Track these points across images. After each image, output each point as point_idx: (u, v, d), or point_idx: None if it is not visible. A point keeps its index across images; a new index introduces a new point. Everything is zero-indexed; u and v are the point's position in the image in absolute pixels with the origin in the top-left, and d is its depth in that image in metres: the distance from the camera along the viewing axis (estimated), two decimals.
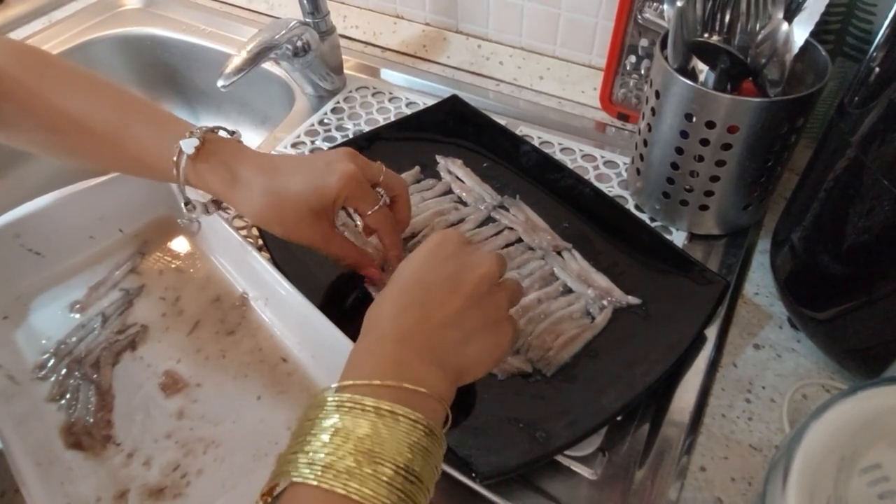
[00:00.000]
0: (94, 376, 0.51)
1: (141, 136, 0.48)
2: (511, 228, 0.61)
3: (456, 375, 0.37)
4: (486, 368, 0.39)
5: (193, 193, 0.52)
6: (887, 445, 0.31)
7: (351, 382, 0.33)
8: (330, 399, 0.32)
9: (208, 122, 1.00)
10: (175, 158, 0.46)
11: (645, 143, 0.59)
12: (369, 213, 0.50)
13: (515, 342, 0.44)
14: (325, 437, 0.31)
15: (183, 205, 0.52)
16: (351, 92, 0.82)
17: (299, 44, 0.72)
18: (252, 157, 0.48)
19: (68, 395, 0.49)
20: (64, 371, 0.51)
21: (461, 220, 0.63)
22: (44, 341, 0.53)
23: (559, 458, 0.45)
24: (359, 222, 0.62)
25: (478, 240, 0.60)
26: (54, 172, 0.90)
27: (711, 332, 0.54)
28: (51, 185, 0.59)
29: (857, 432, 0.31)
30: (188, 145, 0.46)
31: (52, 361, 0.52)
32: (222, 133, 0.49)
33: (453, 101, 0.74)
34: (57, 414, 0.49)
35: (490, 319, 0.39)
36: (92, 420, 0.48)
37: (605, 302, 0.55)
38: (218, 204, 0.53)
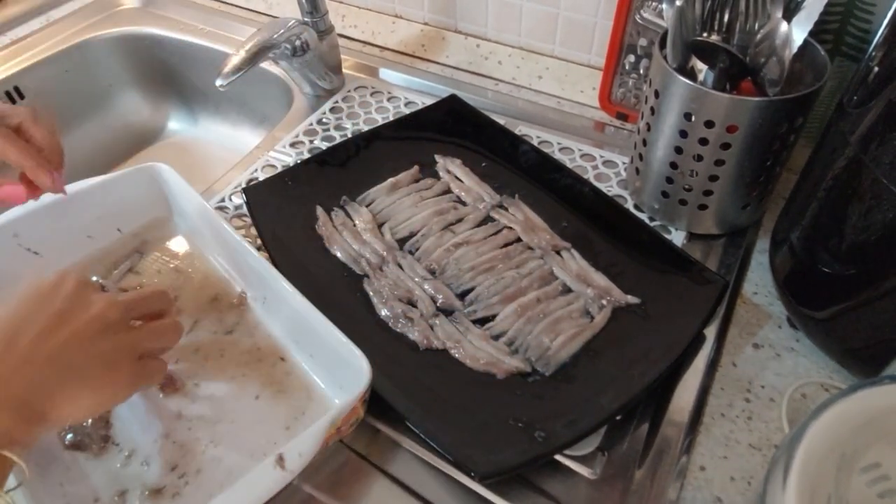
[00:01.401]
0: None
1: None
2: (510, 228, 0.61)
3: (40, 417, 0.34)
4: (91, 409, 0.37)
5: None
6: (887, 445, 0.31)
7: None
8: None
9: (207, 121, 1.00)
10: None
11: (644, 142, 0.59)
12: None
13: (139, 387, 0.40)
14: None
15: None
16: (349, 91, 0.82)
17: (298, 43, 0.72)
18: None
19: None
20: None
21: (459, 220, 0.63)
22: None
23: (558, 457, 0.45)
24: (357, 223, 0.62)
25: (476, 239, 0.60)
26: None
27: (710, 332, 0.54)
28: None
29: (857, 431, 0.31)
30: None
31: None
32: None
33: (452, 100, 0.74)
34: None
35: (98, 359, 0.36)
36: (91, 420, 0.48)
37: (604, 301, 0.55)
38: None
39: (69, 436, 0.47)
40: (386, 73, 0.86)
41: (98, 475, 0.45)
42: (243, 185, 0.67)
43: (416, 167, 0.68)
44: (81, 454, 0.46)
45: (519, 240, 0.61)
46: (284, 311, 0.52)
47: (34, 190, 0.51)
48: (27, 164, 0.48)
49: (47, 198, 0.57)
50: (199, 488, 0.45)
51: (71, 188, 0.58)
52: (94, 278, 0.41)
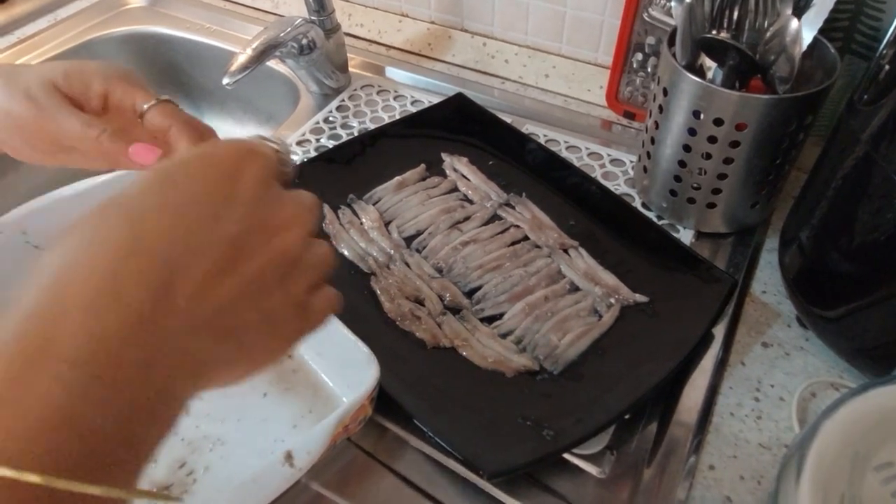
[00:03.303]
0: None
1: None
2: (517, 226, 0.61)
3: (177, 406, 0.24)
4: (242, 377, 0.26)
5: None
6: None
7: None
8: None
9: (213, 119, 1.00)
10: None
11: (652, 140, 0.59)
12: (147, 105, 0.40)
13: (298, 343, 0.28)
14: None
15: None
16: (356, 90, 0.82)
17: (304, 42, 0.72)
18: None
19: None
20: None
21: (467, 218, 0.62)
22: None
23: (567, 456, 0.45)
24: (364, 221, 0.62)
25: (483, 237, 0.60)
26: (60, 169, 0.89)
27: (719, 331, 0.53)
28: (57, 182, 0.59)
29: (870, 430, 0.31)
30: None
31: None
32: None
33: (459, 99, 0.74)
34: None
35: (267, 316, 0.25)
36: None
37: (612, 300, 0.54)
38: None
39: None
40: (392, 72, 0.86)
41: None
42: None
43: (422, 165, 0.68)
44: None
45: (526, 238, 0.60)
46: None
47: None
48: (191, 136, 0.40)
49: (54, 194, 0.57)
50: (207, 486, 0.45)
51: (79, 185, 0.58)
52: (274, 145, 0.29)
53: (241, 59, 0.66)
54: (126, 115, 0.42)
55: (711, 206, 0.58)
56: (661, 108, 0.56)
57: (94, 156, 0.40)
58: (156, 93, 0.42)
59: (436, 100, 0.77)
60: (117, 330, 0.20)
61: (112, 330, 0.20)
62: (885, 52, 0.44)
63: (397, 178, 0.66)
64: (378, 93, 0.82)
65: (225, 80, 0.65)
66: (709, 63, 0.56)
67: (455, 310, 0.55)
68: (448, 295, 0.55)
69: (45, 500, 0.17)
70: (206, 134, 0.42)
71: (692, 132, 0.54)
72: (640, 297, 0.54)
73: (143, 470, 0.21)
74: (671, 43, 0.55)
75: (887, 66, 0.43)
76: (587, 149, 0.72)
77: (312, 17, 0.75)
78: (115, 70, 0.41)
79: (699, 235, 0.62)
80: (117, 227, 0.22)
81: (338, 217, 0.63)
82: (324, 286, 0.29)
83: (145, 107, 0.40)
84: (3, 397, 0.18)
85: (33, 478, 0.17)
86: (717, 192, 0.57)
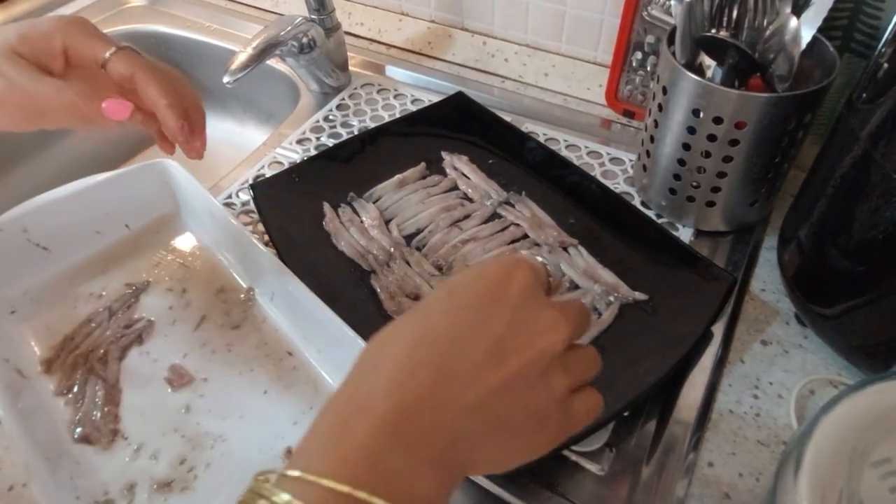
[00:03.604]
0: (102, 371, 0.51)
1: None
2: (517, 224, 0.61)
3: (456, 474, 0.27)
4: (504, 468, 0.28)
5: None
6: None
7: (297, 475, 0.24)
8: (266, 494, 0.24)
9: (214, 118, 1.00)
10: None
11: (651, 139, 0.59)
12: (108, 54, 0.41)
13: (563, 440, 0.30)
14: None
15: None
16: (356, 89, 0.82)
17: (304, 40, 0.72)
18: None
19: (76, 390, 0.50)
20: (71, 365, 0.51)
21: (466, 217, 0.63)
22: (51, 336, 0.53)
23: (566, 453, 0.45)
24: (365, 219, 0.62)
25: (483, 235, 0.60)
26: (60, 168, 0.90)
27: (718, 329, 0.53)
28: (57, 181, 0.59)
29: (869, 426, 0.31)
30: None
31: (59, 356, 0.52)
32: None
33: (458, 97, 0.74)
34: (65, 408, 0.49)
35: (531, 411, 0.28)
36: (99, 414, 0.48)
37: (611, 298, 0.55)
38: None
39: (78, 429, 0.47)
40: (392, 71, 0.86)
41: (107, 469, 0.45)
42: (250, 182, 0.67)
43: (422, 164, 0.68)
44: (90, 448, 0.47)
45: (526, 236, 0.61)
46: (292, 306, 0.52)
47: (166, 144, 0.47)
48: (164, 102, 0.43)
49: (55, 193, 0.57)
50: (208, 482, 0.45)
51: (79, 184, 0.58)
52: (540, 259, 0.32)
53: (242, 57, 0.66)
54: (88, 65, 0.43)
55: (711, 204, 0.59)
56: (660, 106, 0.56)
57: (69, 117, 0.41)
58: (114, 39, 0.43)
59: (436, 98, 0.77)
60: (412, 400, 0.26)
61: (408, 400, 0.26)
62: (883, 50, 0.44)
63: (397, 177, 0.66)
64: (378, 91, 0.82)
65: (225, 79, 0.65)
66: (708, 62, 0.56)
67: None
68: None
69: None
70: (169, 76, 0.44)
71: (691, 131, 0.54)
72: (639, 295, 0.55)
73: None
74: (670, 42, 0.55)
75: (886, 65, 0.43)
76: (587, 147, 0.72)
77: (312, 16, 0.75)
78: (69, 23, 0.41)
79: (698, 234, 0.62)
80: (412, 325, 0.28)
81: (338, 215, 0.63)
82: (589, 389, 0.32)
83: (107, 55, 0.41)
84: (335, 436, 0.26)
85: (361, 494, 0.23)
86: (716, 190, 0.57)
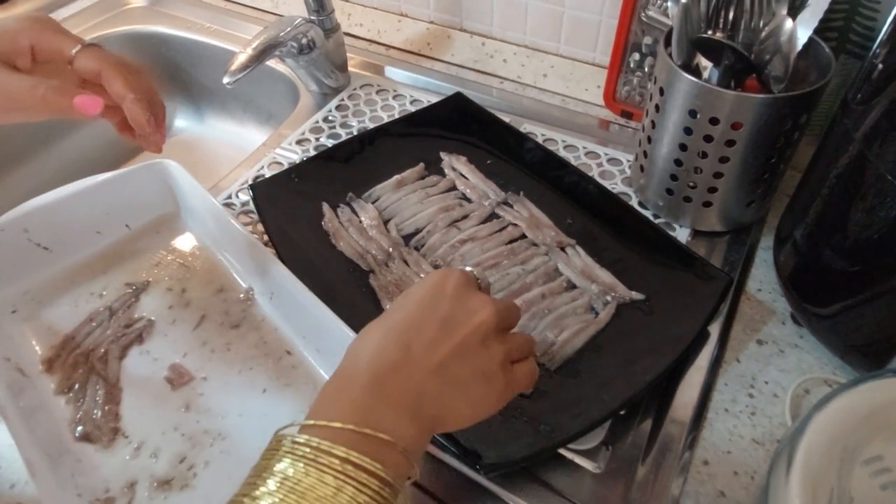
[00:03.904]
0: (102, 370, 0.51)
1: None
2: (515, 225, 0.62)
3: (430, 425, 0.34)
4: (468, 421, 0.36)
5: None
6: (889, 437, 0.31)
7: (312, 423, 0.31)
8: (287, 440, 0.30)
9: (213, 119, 1.01)
10: None
11: (649, 139, 0.60)
12: (75, 50, 0.43)
13: (510, 398, 0.38)
14: (272, 485, 0.29)
15: None
16: (355, 89, 0.83)
17: (304, 41, 0.73)
18: None
19: (76, 388, 0.50)
20: (72, 364, 0.51)
21: (465, 217, 0.63)
22: (52, 335, 0.54)
23: (563, 451, 0.46)
24: (363, 219, 0.63)
25: (481, 235, 0.61)
26: (61, 168, 0.90)
27: (714, 328, 0.54)
28: (57, 181, 0.59)
29: (860, 424, 0.31)
30: None
31: (60, 355, 0.52)
32: None
33: (457, 98, 0.75)
34: (65, 407, 0.49)
35: (478, 371, 0.36)
36: (100, 413, 0.48)
37: (608, 297, 0.55)
38: None
39: (79, 428, 0.47)
40: (391, 72, 0.86)
41: (108, 467, 0.46)
42: (250, 182, 0.68)
43: (421, 164, 0.68)
44: (91, 446, 0.47)
45: (524, 236, 0.61)
46: (291, 305, 0.53)
47: (129, 131, 0.48)
48: (131, 96, 0.44)
49: (55, 193, 0.57)
50: (207, 480, 0.45)
51: (79, 184, 0.58)
52: (468, 268, 0.40)
53: (241, 58, 0.66)
54: (55, 62, 0.44)
55: (707, 204, 0.59)
56: (657, 107, 0.57)
57: (41, 111, 0.42)
58: (78, 37, 0.44)
59: (435, 99, 0.77)
60: (388, 369, 0.34)
61: (385, 369, 0.34)
62: (878, 51, 0.44)
63: (396, 177, 0.67)
64: (377, 92, 0.82)
65: (225, 80, 0.65)
66: (705, 63, 0.56)
67: None
68: None
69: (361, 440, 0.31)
70: (133, 70, 0.45)
71: (688, 131, 0.55)
72: (636, 295, 0.55)
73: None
74: (668, 43, 0.55)
75: (881, 66, 0.44)
76: (585, 148, 0.72)
77: (312, 17, 0.75)
78: (34, 21, 0.42)
79: (695, 234, 0.62)
80: (381, 322, 0.37)
81: (337, 215, 0.63)
82: (528, 359, 0.40)
83: (73, 52, 0.43)
84: (335, 397, 0.34)
85: (366, 430, 0.31)
86: (713, 190, 0.58)
